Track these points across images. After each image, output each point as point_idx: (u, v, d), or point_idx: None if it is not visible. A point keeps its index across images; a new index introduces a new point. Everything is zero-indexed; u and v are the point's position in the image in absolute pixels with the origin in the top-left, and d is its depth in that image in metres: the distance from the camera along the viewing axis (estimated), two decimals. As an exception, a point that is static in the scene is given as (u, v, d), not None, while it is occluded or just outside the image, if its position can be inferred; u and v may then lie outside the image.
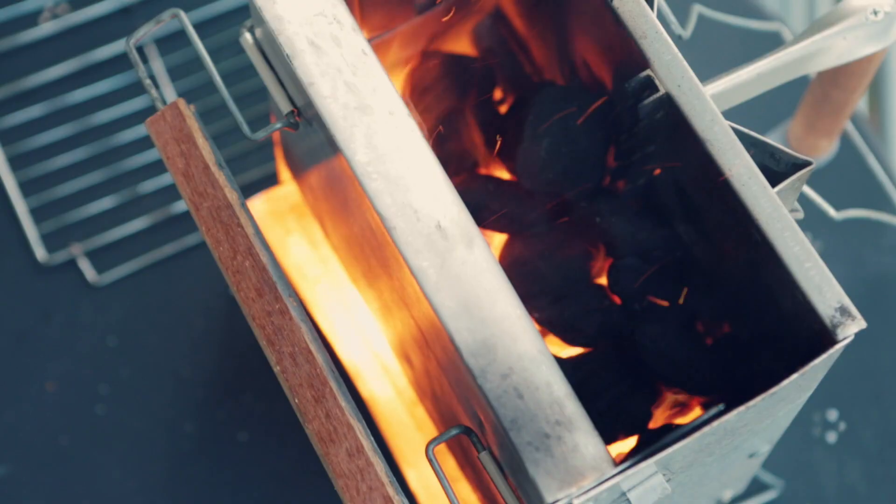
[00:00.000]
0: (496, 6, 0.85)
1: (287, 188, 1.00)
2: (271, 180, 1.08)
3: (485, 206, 0.80)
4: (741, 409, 0.65)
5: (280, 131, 0.80)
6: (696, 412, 0.79)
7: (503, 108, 0.86)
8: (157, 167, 1.11)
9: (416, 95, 0.83)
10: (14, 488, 1.02)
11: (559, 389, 0.65)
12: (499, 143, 0.83)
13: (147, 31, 0.74)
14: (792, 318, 0.68)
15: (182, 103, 0.74)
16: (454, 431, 0.68)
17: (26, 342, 1.06)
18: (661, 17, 0.75)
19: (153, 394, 1.05)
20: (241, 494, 1.03)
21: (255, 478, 1.03)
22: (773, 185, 0.69)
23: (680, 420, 0.79)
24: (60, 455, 1.03)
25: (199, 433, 1.04)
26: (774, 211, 0.68)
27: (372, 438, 0.69)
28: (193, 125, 0.74)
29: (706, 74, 0.74)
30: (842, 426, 1.04)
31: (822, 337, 0.66)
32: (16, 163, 1.11)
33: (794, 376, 0.65)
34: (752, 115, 0.91)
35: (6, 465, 1.03)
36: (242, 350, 1.06)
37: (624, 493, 0.65)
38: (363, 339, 0.98)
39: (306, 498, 1.03)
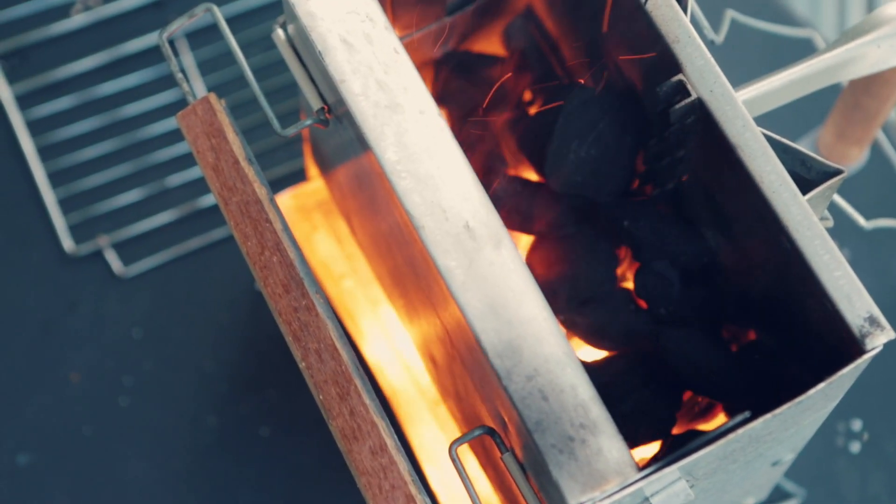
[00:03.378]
0: (527, 7, 0.85)
1: (314, 184, 1.00)
2: (299, 176, 1.08)
3: (513, 207, 0.79)
4: (767, 416, 0.64)
5: (309, 128, 0.80)
6: (719, 419, 0.79)
7: (532, 110, 0.86)
8: (184, 161, 1.12)
9: (446, 95, 0.83)
10: (37, 477, 1.03)
11: (584, 392, 0.65)
12: (528, 144, 0.82)
13: (180, 25, 0.74)
14: (820, 326, 0.67)
15: (213, 98, 0.74)
16: (478, 432, 0.68)
17: (52, 332, 1.06)
18: (694, 21, 0.74)
19: (176, 387, 1.05)
20: (262, 489, 1.03)
21: (275, 473, 1.03)
22: (804, 192, 0.68)
23: (703, 426, 0.79)
24: (83, 445, 1.04)
25: (221, 427, 1.04)
26: (805, 219, 0.67)
27: (395, 436, 0.69)
28: (224, 120, 0.74)
29: (737, 80, 0.74)
30: (865, 436, 1.03)
31: (850, 346, 0.66)
32: (45, 154, 1.11)
33: (821, 385, 0.65)
34: (781, 121, 0.91)
35: (30, 453, 1.03)
36: (266, 345, 1.06)
37: (647, 498, 0.65)
38: (387, 336, 0.98)
39: (326, 494, 1.03)
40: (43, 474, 1.03)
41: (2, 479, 1.03)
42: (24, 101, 1.12)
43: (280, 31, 0.75)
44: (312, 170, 0.99)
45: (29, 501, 1.02)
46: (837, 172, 0.70)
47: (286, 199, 1.00)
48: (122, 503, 1.02)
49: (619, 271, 0.81)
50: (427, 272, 0.70)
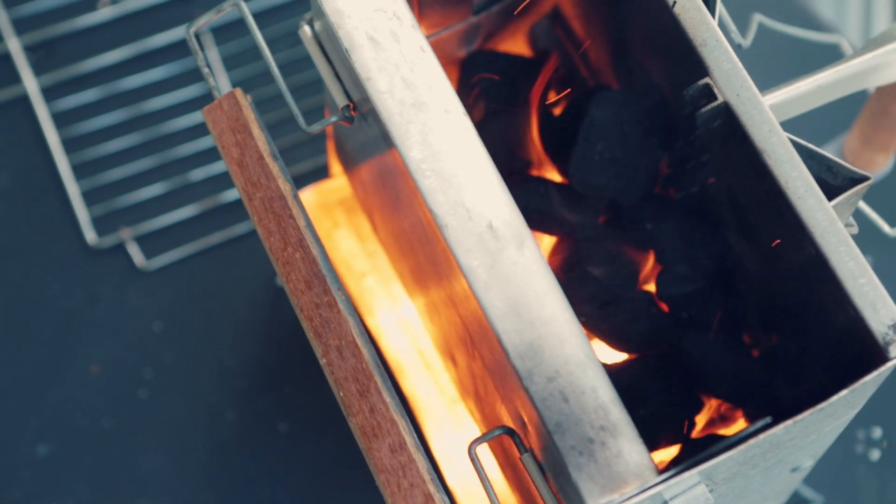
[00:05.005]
0: (554, 7, 0.85)
1: (337, 181, 1.00)
2: (321, 173, 1.09)
3: (536, 207, 0.79)
4: (788, 422, 0.64)
5: (333, 125, 0.80)
6: (739, 424, 0.78)
7: (557, 111, 0.86)
8: (207, 155, 1.12)
9: (472, 94, 0.83)
10: (56, 468, 1.03)
11: (605, 394, 0.64)
12: (552, 145, 0.82)
13: (208, 20, 0.75)
14: (843, 333, 0.67)
15: (239, 93, 0.75)
16: (497, 432, 0.68)
17: (73, 324, 1.07)
18: (721, 24, 0.74)
19: (196, 380, 1.05)
20: (279, 484, 1.03)
21: (293, 468, 1.03)
22: (830, 198, 0.68)
23: (723, 431, 0.78)
24: (102, 437, 1.04)
25: (239, 422, 1.04)
26: (830, 225, 0.67)
27: (415, 435, 0.69)
28: (250, 115, 0.74)
29: (764, 84, 0.73)
30: (885, 444, 1.03)
31: (873, 354, 0.66)
32: (69, 146, 1.12)
33: (844, 392, 0.64)
34: (806, 127, 0.90)
35: (49, 444, 1.04)
36: (286, 341, 1.06)
37: (666, 502, 0.65)
38: (406, 334, 0.98)
39: (343, 490, 1.03)
40: (62, 465, 1.03)
41: (22, 468, 1.03)
42: (49, 94, 1.13)
43: (307, 28, 0.76)
44: (335, 167, 0.99)
45: (48, 491, 1.03)
46: (864, 179, 0.69)
47: (309, 196, 1.00)
48: (139, 495, 1.03)
49: (641, 274, 0.80)
50: (449, 271, 0.70)
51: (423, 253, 0.77)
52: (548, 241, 0.82)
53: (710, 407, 0.78)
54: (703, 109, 0.71)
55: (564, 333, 0.65)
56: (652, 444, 0.73)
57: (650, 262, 0.81)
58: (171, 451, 1.04)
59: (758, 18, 0.87)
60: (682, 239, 0.78)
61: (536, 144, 0.84)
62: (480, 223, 0.67)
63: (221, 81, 1.13)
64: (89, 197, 1.11)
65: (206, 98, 1.13)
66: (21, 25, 1.14)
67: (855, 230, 0.72)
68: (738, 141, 0.70)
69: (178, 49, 1.15)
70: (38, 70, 1.13)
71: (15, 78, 1.13)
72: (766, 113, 0.69)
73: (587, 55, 0.84)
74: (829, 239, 0.67)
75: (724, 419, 0.79)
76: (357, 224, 1.00)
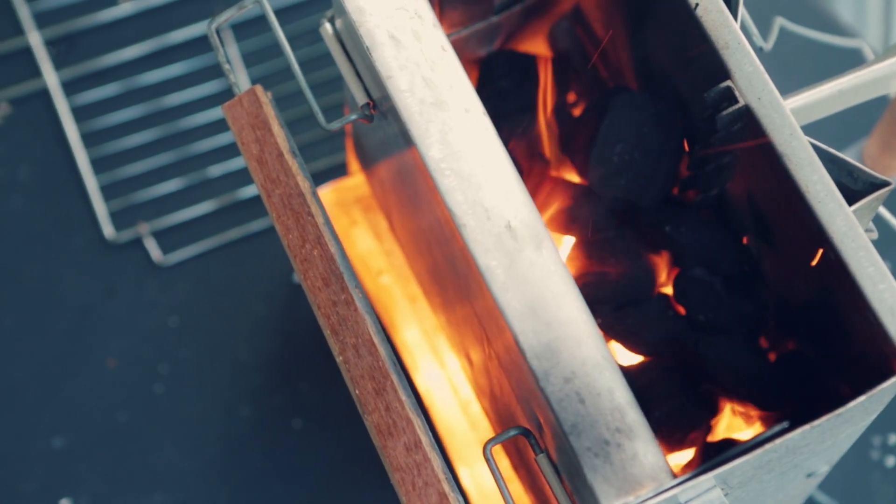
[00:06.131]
0: (574, 8, 0.85)
1: (355, 179, 1.00)
2: (339, 170, 1.09)
3: (554, 208, 0.79)
4: (806, 427, 0.64)
5: (352, 122, 0.80)
6: (755, 428, 0.78)
7: (576, 111, 0.85)
8: (225, 151, 1.12)
9: (491, 94, 0.83)
10: (70, 460, 1.04)
11: (621, 396, 0.64)
12: (571, 146, 0.82)
13: (230, 16, 0.75)
14: (862, 339, 0.67)
15: (260, 90, 0.75)
16: (513, 432, 0.68)
17: (90, 318, 1.07)
18: (743, 27, 0.74)
19: (211, 376, 1.06)
20: (292, 481, 1.03)
21: (306, 465, 1.03)
22: (850, 203, 0.68)
23: (738, 435, 0.78)
24: (117, 431, 1.04)
25: (254, 418, 1.04)
26: (850, 230, 0.67)
27: (430, 434, 0.69)
28: (270, 112, 0.74)
29: (784, 88, 0.73)
30: (901, 451, 1.03)
31: (891, 360, 0.65)
32: (88, 140, 1.12)
33: (862, 398, 0.64)
34: (826, 131, 0.90)
35: (64, 436, 1.04)
36: (301, 338, 1.07)
37: (681, 505, 0.65)
38: (422, 333, 0.98)
39: (356, 488, 1.03)
40: (77, 458, 1.04)
41: (37, 460, 1.03)
42: (70, 88, 1.13)
43: (328, 26, 0.76)
44: (353, 164, 0.99)
45: (62, 484, 1.03)
46: (885, 184, 0.69)
47: (326, 193, 1.00)
48: (153, 489, 1.03)
49: (658, 276, 0.80)
50: (467, 271, 0.70)
51: (441, 252, 0.77)
52: (566, 242, 0.81)
53: (726, 410, 0.78)
54: (724, 112, 0.71)
55: (581, 335, 0.65)
56: (667, 447, 0.73)
57: (667, 265, 0.81)
58: (186, 446, 1.04)
59: (779, 21, 0.86)
60: (699, 242, 0.77)
61: (555, 145, 0.84)
62: (499, 223, 0.67)
63: (240, 78, 1.13)
64: (107, 191, 1.11)
65: (225, 94, 1.13)
66: (42, 20, 1.15)
67: (875, 235, 0.72)
68: (758, 144, 0.70)
69: (198, 45, 1.15)
70: (58, 64, 1.14)
71: (35, 72, 1.14)
72: (788, 117, 0.69)
73: (607, 56, 0.84)
74: (848, 244, 0.66)
75: (739, 423, 0.78)
76: (374, 222, 1.00)
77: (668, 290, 0.80)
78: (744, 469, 0.66)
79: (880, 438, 1.03)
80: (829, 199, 0.67)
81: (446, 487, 0.67)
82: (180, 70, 1.14)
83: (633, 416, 0.64)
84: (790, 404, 0.74)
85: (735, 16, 0.72)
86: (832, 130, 0.97)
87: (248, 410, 1.05)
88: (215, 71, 1.14)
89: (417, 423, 0.68)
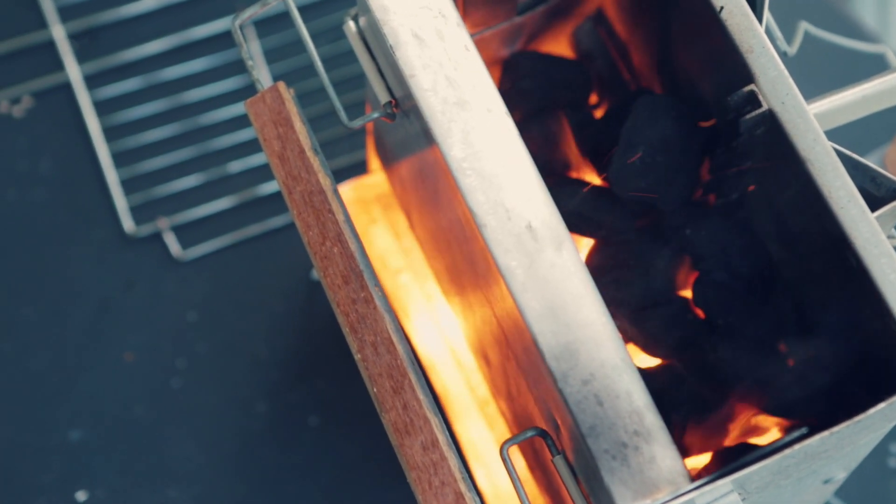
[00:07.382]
0: (598, 10, 0.85)
1: (375, 177, 1.00)
2: (359, 168, 1.09)
3: (575, 210, 0.79)
4: (825, 433, 0.64)
5: (374, 120, 0.80)
6: (773, 433, 0.78)
7: (598, 113, 0.85)
8: (246, 147, 1.13)
9: (514, 94, 0.83)
10: (87, 453, 1.04)
11: (639, 399, 0.64)
12: (592, 147, 0.82)
13: (254, 13, 0.75)
14: (883, 346, 0.67)
15: (282, 86, 0.75)
16: (530, 433, 0.68)
17: (109, 311, 1.08)
18: (767, 31, 0.74)
19: (228, 371, 1.06)
20: (308, 478, 1.03)
21: (322, 462, 1.04)
22: (873, 209, 0.68)
23: (755, 440, 0.78)
24: (134, 424, 1.05)
25: (270, 414, 1.05)
26: (873, 236, 0.66)
27: (447, 433, 0.69)
28: (292, 109, 0.74)
29: (807, 92, 0.73)
30: (918, 459, 1.02)
31: (912, 367, 0.65)
32: (110, 134, 1.12)
33: (882, 405, 0.64)
34: (848, 137, 0.90)
35: (80, 430, 1.04)
36: (319, 335, 1.07)
37: (697, 509, 0.65)
38: (440, 332, 0.98)
39: (372, 486, 1.03)
40: (94, 451, 1.04)
41: (54, 453, 1.04)
42: (92, 81, 1.14)
43: (351, 24, 0.76)
44: (374, 162, 0.99)
45: (79, 477, 1.03)
46: (908, 191, 0.69)
47: (346, 191, 1.00)
48: (169, 483, 1.03)
49: (678, 279, 0.80)
50: (486, 270, 0.70)
51: (460, 251, 0.77)
52: (585, 243, 0.81)
53: (744, 415, 0.78)
54: (747, 116, 0.71)
55: (600, 337, 0.65)
56: (685, 451, 0.72)
57: (687, 268, 0.80)
58: (202, 441, 1.04)
59: (804, 26, 0.86)
60: (720, 246, 0.77)
61: (577, 146, 0.83)
62: (519, 223, 0.67)
63: (262, 75, 1.13)
64: (128, 185, 1.11)
65: (246, 90, 1.14)
66: (66, 13, 1.15)
67: (897, 242, 0.71)
68: (781, 149, 0.69)
69: (220, 41, 1.15)
70: (81, 58, 1.14)
71: (58, 65, 1.14)
72: (812, 122, 0.69)
73: (630, 58, 0.84)
74: (871, 251, 0.66)
75: (757, 428, 0.78)
76: (394, 220, 1.00)
77: (688, 293, 0.80)
78: (762, 474, 0.66)
79: (898, 446, 1.03)
80: (851, 205, 0.67)
81: (462, 487, 0.67)
82: (202, 66, 1.14)
83: (652, 419, 0.64)
84: (809, 410, 0.73)
85: (760, 19, 0.71)
86: (854, 136, 0.97)
87: (265, 406, 1.05)
88: (236, 67, 1.14)
89: (434, 422, 0.68)
